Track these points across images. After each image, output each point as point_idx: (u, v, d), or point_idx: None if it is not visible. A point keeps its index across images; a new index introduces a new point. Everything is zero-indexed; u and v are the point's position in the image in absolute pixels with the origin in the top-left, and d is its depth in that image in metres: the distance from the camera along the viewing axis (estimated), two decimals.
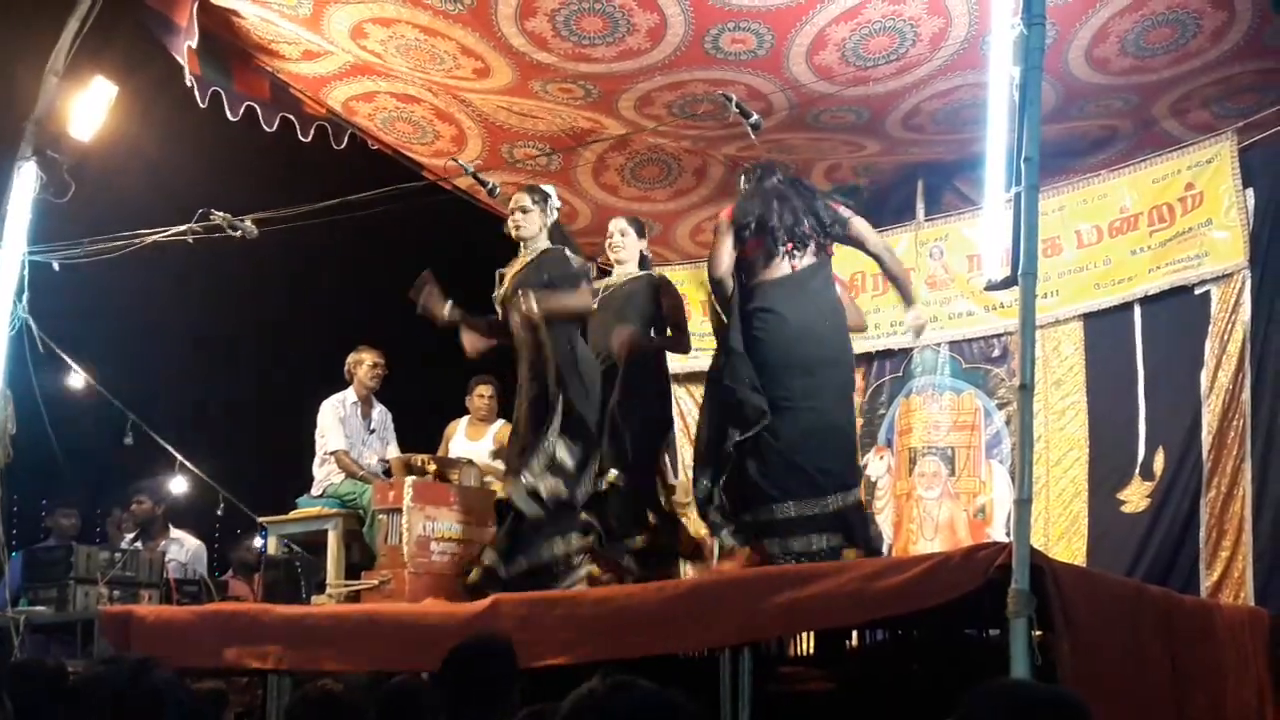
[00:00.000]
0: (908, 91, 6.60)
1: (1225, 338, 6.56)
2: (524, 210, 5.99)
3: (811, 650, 5.62)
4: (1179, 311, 6.80)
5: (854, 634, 5.45)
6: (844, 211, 5.67)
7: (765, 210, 5.57)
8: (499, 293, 6.08)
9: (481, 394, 7.62)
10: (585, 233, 8.49)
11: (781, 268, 5.54)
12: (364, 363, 7.24)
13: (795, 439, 5.35)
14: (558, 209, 6.14)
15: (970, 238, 7.48)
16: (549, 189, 6.14)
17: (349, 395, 7.24)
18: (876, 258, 5.83)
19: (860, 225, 5.69)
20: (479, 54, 6.34)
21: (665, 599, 4.88)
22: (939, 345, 7.67)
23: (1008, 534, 7.11)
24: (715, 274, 5.65)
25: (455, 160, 6.96)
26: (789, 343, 5.42)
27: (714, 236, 5.78)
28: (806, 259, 5.55)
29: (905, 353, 7.81)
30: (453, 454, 7.32)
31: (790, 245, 5.52)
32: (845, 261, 7.89)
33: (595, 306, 6.06)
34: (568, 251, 6.00)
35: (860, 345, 7.71)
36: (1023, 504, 4.12)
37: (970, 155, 6.70)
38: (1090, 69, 6.34)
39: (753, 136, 6.45)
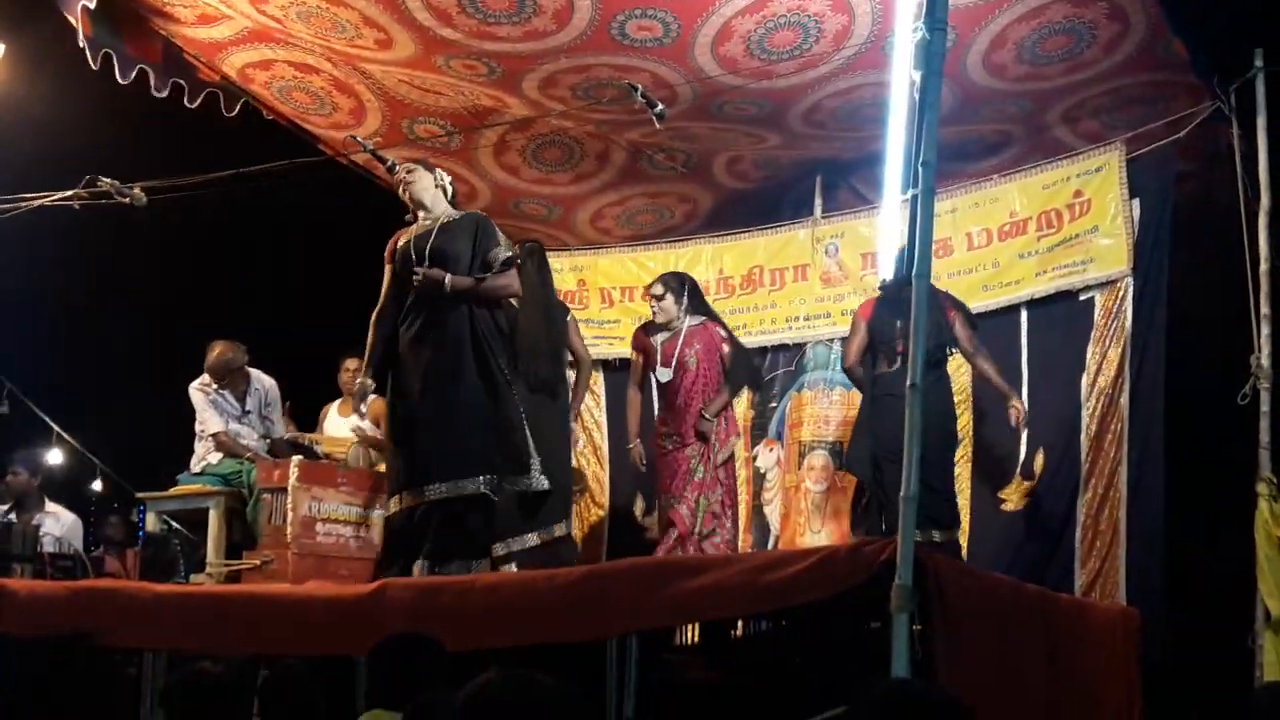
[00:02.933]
0: (810, 87, 6.66)
1: (1107, 343, 6.73)
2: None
3: (696, 639, 5.66)
4: (1063, 316, 6.96)
5: (739, 624, 5.50)
6: (957, 331, 6.56)
7: (891, 320, 6.37)
8: None
9: (348, 368, 7.52)
10: (485, 213, 8.44)
11: (896, 365, 6.39)
12: (207, 359, 7.06)
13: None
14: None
15: (866, 235, 7.57)
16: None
17: (208, 379, 7.06)
18: (972, 362, 6.73)
19: (964, 340, 6.59)
20: (381, 25, 6.25)
21: (557, 587, 4.88)
22: (831, 341, 7.76)
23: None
24: (845, 365, 6.81)
25: (353, 137, 6.85)
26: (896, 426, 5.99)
27: (850, 329, 6.78)
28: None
29: (798, 348, 7.90)
30: (329, 435, 7.24)
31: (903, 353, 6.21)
32: (742, 259, 8.04)
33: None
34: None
35: (755, 339, 7.86)
36: (908, 500, 4.18)
37: (868, 154, 6.81)
38: (987, 74, 6.45)
39: (657, 125, 6.49)
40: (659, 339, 6.99)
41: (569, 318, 7.13)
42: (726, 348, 7.00)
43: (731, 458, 6.98)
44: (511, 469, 5.79)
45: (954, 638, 4.15)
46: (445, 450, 5.67)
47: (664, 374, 6.92)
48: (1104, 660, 5.31)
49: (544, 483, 5.85)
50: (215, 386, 7.01)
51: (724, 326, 7.15)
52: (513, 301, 6.11)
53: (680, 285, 7.07)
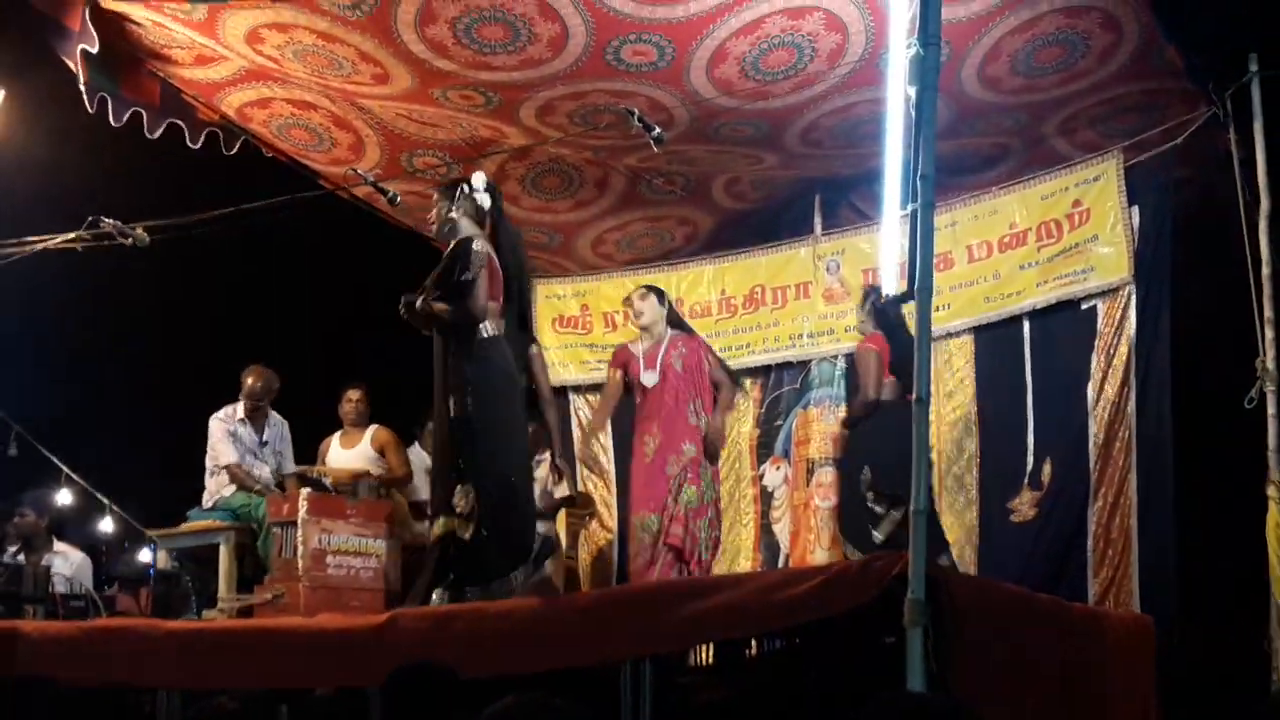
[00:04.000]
0: (806, 106, 6.68)
1: (1111, 352, 6.73)
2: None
3: (710, 660, 5.64)
4: (1066, 325, 6.97)
5: (752, 643, 5.49)
6: None
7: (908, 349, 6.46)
8: None
9: (350, 398, 7.54)
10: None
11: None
12: (243, 386, 7.12)
13: None
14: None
15: (867, 251, 7.59)
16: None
17: (238, 410, 7.10)
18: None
19: None
20: (378, 60, 6.28)
21: (569, 612, 4.89)
22: (835, 358, 7.77)
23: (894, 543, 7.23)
24: (876, 397, 6.62)
25: (354, 170, 6.88)
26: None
27: (869, 365, 6.69)
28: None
29: (803, 365, 7.90)
30: (335, 467, 7.25)
31: None
32: (744, 279, 8.06)
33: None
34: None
35: (759, 358, 7.90)
36: (918, 515, 4.18)
37: (866, 170, 6.83)
38: (982, 87, 6.47)
39: (655, 149, 6.51)
40: (640, 348, 6.86)
41: (534, 350, 6.89)
42: (710, 356, 6.88)
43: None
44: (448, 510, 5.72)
45: (967, 650, 4.14)
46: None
47: (650, 377, 6.74)
48: (1119, 669, 5.28)
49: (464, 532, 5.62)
50: (240, 418, 7.05)
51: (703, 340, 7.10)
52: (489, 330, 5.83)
53: (660, 293, 7.01)
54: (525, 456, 6.02)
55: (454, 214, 5.93)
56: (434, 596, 5.59)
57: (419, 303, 5.73)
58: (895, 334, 6.57)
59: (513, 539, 5.74)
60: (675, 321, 7.02)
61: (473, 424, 5.67)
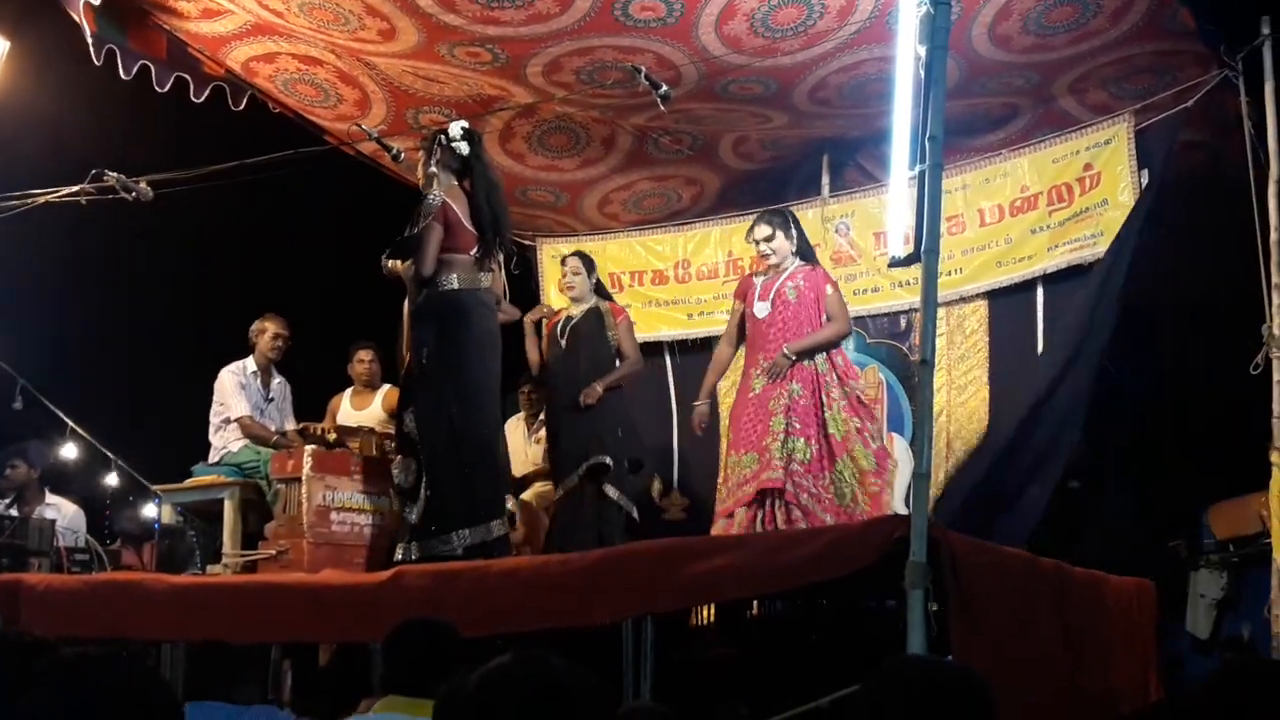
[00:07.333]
0: (815, 64, 6.62)
1: None
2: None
3: (712, 620, 5.66)
4: (1077, 290, 6.93)
5: (754, 603, 5.51)
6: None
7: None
8: None
9: (362, 359, 7.53)
10: None
11: None
12: (266, 332, 7.11)
13: None
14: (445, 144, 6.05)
15: (876, 214, 7.55)
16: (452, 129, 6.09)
17: (249, 364, 7.10)
18: None
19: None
20: (384, 14, 6.23)
21: (571, 571, 4.89)
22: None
23: (908, 506, 7.22)
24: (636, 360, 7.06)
25: (359, 125, 6.84)
26: None
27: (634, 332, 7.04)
28: None
29: None
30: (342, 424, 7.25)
31: None
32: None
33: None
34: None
35: None
36: (921, 478, 4.19)
37: (875, 131, 6.77)
38: (993, 45, 6.42)
39: (662, 108, 6.46)
40: (760, 279, 6.48)
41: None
42: (830, 289, 6.42)
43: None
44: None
45: (969, 613, 4.15)
46: None
47: (761, 308, 6.37)
48: (1121, 633, 5.30)
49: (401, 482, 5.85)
50: (252, 370, 7.06)
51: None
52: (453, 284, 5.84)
53: (786, 221, 6.52)
54: (488, 413, 5.94)
55: (433, 167, 5.97)
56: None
57: (383, 259, 5.91)
58: None
59: (464, 502, 5.76)
60: (805, 254, 6.56)
61: (429, 379, 5.73)
